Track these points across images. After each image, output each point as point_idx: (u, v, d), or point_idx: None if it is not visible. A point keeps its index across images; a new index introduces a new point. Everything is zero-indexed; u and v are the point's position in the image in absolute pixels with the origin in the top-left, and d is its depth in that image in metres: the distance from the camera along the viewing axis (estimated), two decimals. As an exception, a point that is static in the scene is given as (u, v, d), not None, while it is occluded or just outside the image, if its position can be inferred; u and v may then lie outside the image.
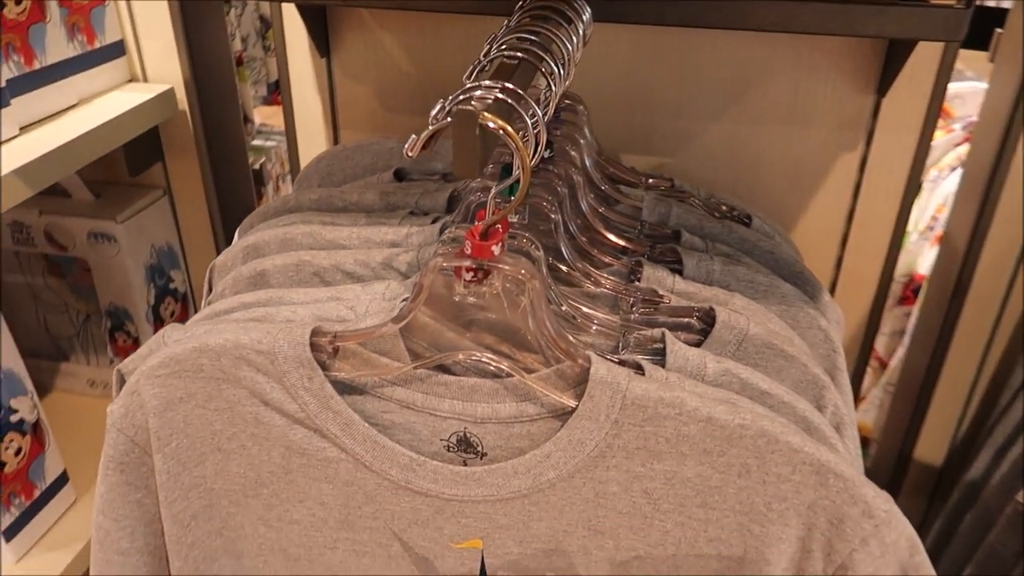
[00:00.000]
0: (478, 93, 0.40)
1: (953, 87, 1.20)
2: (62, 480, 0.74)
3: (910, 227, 1.16)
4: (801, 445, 0.40)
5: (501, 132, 0.38)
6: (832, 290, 0.80)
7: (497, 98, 0.39)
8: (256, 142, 1.29)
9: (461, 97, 0.39)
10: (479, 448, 0.47)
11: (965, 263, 0.83)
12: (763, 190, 0.76)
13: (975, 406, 0.89)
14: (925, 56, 0.68)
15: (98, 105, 0.72)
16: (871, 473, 1.04)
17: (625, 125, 0.76)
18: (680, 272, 0.55)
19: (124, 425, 0.49)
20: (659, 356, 0.46)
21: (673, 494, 0.43)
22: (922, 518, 0.97)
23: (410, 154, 0.39)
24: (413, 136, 0.38)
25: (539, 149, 0.42)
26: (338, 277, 0.55)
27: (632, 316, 0.52)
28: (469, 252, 0.40)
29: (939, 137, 1.15)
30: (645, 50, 0.72)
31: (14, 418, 0.67)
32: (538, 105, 0.42)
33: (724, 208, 0.64)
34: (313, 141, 0.82)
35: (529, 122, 0.41)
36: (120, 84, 0.76)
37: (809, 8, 0.57)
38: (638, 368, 0.44)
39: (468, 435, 0.46)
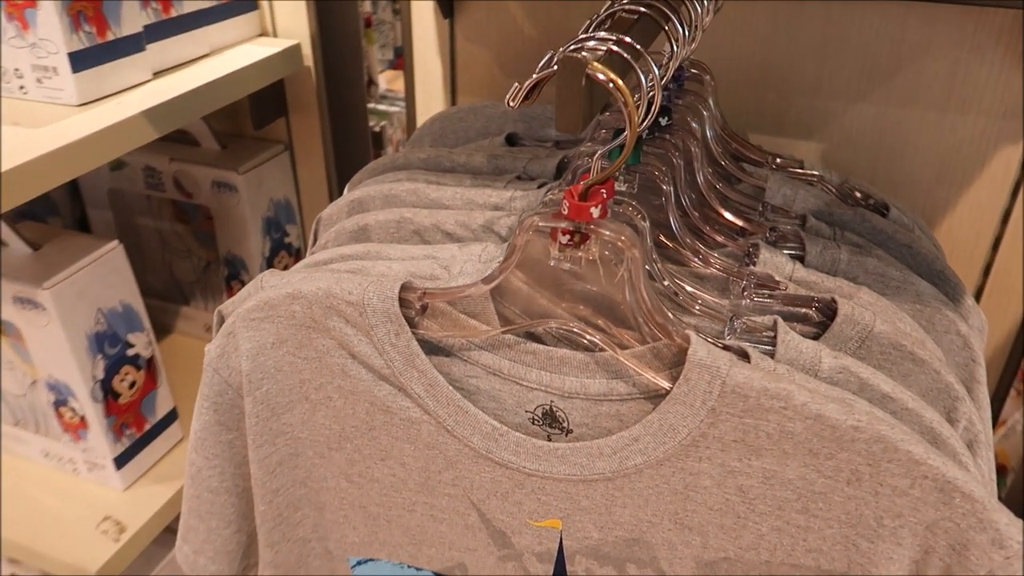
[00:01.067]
0: (591, 44, 0.37)
1: None
2: (171, 417, 0.77)
3: (1076, 238, 1.04)
4: (924, 456, 0.36)
5: (610, 85, 0.35)
6: (977, 297, 0.72)
7: (611, 50, 0.37)
8: (381, 107, 1.31)
9: (572, 47, 0.37)
10: (565, 424, 0.44)
11: None
12: (907, 181, 0.69)
13: None
14: (1114, 37, 0.59)
15: (228, 56, 0.73)
16: (1007, 505, 0.95)
17: (758, 102, 0.71)
18: (802, 259, 0.51)
19: (219, 366, 0.50)
20: (769, 345, 0.43)
21: (771, 495, 0.40)
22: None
23: (512, 104, 0.36)
24: (516, 85, 0.36)
25: (652, 112, 0.39)
26: (438, 237, 0.53)
27: (743, 302, 0.48)
28: (566, 213, 0.38)
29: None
30: (784, 22, 0.67)
31: (130, 352, 0.70)
32: (658, 67, 0.39)
33: (858, 195, 0.58)
34: (432, 105, 0.82)
35: (645, 82, 0.38)
36: (250, 37, 0.78)
37: (978, -24, 0.51)
38: (743, 355, 0.41)
39: (554, 409, 0.44)
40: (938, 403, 0.45)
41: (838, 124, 0.69)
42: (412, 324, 0.44)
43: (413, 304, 0.44)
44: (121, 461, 0.72)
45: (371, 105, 1.31)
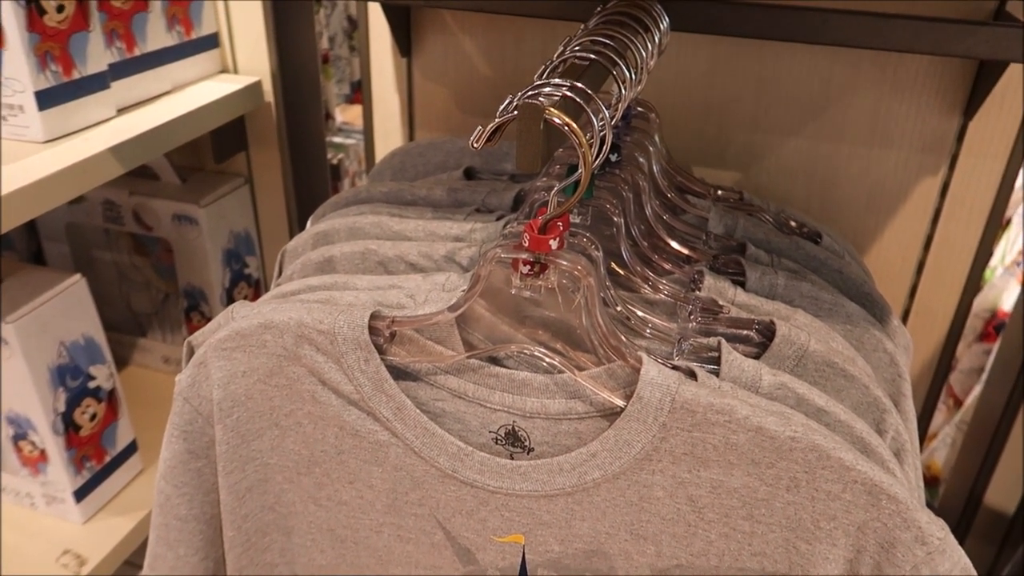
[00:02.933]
0: (547, 90, 0.40)
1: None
2: (131, 448, 0.78)
3: (995, 261, 1.11)
4: (853, 463, 0.39)
5: (566, 128, 0.38)
6: (905, 320, 0.77)
7: (565, 95, 0.40)
8: (337, 139, 1.33)
9: (529, 92, 0.40)
10: (526, 443, 0.47)
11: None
12: (838, 210, 0.74)
13: (1054, 451, 0.85)
14: (1017, 79, 0.65)
15: (190, 93, 0.75)
16: (938, 515, 1.00)
17: (699, 137, 0.75)
18: (743, 284, 0.55)
19: (190, 395, 0.51)
20: (714, 365, 0.46)
21: (719, 503, 0.43)
22: (991, 565, 0.93)
23: (475, 145, 0.39)
24: (480, 128, 0.39)
25: (604, 150, 0.43)
26: (401, 267, 0.56)
27: (690, 325, 0.51)
28: (527, 245, 0.41)
29: (1033, 169, 1.10)
30: (723, 62, 0.71)
31: (92, 384, 0.71)
32: (607, 108, 0.42)
33: (793, 224, 0.63)
34: (389, 139, 0.85)
35: (596, 123, 0.41)
36: (212, 74, 0.80)
37: (896, 25, 0.56)
38: (691, 375, 0.44)
39: (516, 429, 0.47)
40: (867, 415, 0.49)
41: (775, 157, 0.74)
42: (381, 351, 0.47)
43: (382, 332, 0.46)
44: (81, 494, 0.72)
45: (328, 138, 1.33)
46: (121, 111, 0.70)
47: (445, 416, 0.48)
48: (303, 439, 0.51)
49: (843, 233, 0.74)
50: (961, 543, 0.94)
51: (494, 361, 0.47)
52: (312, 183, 0.89)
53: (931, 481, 1.08)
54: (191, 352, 0.53)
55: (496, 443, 0.48)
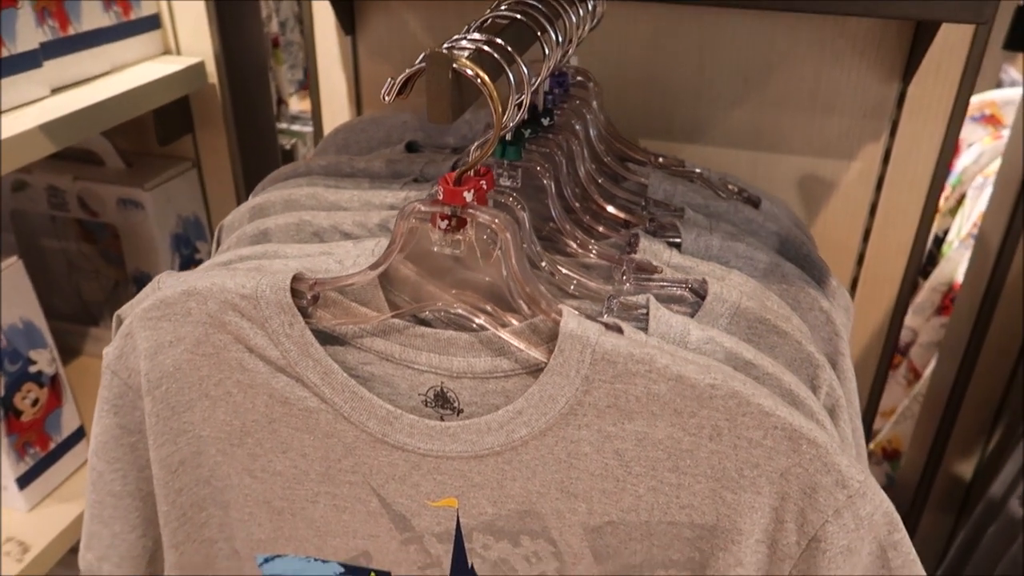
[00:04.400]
0: (463, 43, 0.40)
1: (1005, 94, 1.16)
2: (78, 435, 0.77)
3: (952, 235, 1.12)
4: (773, 408, 0.39)
5: (477, 80, 0.38)
6: (853, 288, 0.77)
7: (480, 49, 0.40)
8: (293, 127, 1.32)
9: (445, 45, 0.39)
10: (455, 404, 0.47)
11: (996, 271, 0.80)
12: (784, 180, 0.74)
13: (1006, 420, 0.86)
14: (954, 42, 0.65)
15: (130, 73, 0.74)
16: (899, 486, 1.01)
17: (644, 110, 0.75)
18: (679, 247, 0.55)
19: (118, 367, 0.51)
20: (643, 322, 0.46)
21: (644, 456, 0.42)
22: (950, 533, 0.93)
23: (386, 98, 0.39)
24: (389, 79, 0.39)
25: (522, 108, 0.42)
26: (336, 237, 0.55)
27: (624, 286, 0.51)
28: (441, 198, 0.40)
29: (987, 143, 1.11)
30: (664, 33, 0.71)
31: (32, 369, 0.70)
32: (536, 74, 0.42)
33: (733, 189, 0.63)
34: (337, 119, 0.84)
35: (512, 80, 0.41)
36: (153, 56, 0.79)
37: (829, -12, 0.56)
38: (618, 331, 0.44)
39: (445, 390, 0.46)
40: (801, 371, 0.49)
41: (720, 127, 0.74)
42: (305, 314, 0.46)
43: (305, 294, 0.46)
44: (24, 481, 0.71)
45: (283, 126, 1.32)
46: (56, 91, 0.69)
47: (374, 380, 0.48)
48: (234, 409, 0.50)
49: (790, 202, 0.74)
50: (920, 513, 0.95)
51: (421, 323, 0.47)
52: (262, 167, 0.88)
53: (893, 455, 1.08)
54: (120, 324, 0.52)
55: (426, 405, 0.47)
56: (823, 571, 0.40)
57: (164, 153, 0.85)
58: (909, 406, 1.05)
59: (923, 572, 0.41)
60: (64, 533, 0.71)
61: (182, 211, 0.85)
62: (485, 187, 0.44)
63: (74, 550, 0.72)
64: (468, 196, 0.40)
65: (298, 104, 1.39)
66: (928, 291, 1.07)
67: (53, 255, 0.90)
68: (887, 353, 0.79)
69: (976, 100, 1.17)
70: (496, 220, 0.41)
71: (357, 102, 0.83)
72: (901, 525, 0.41)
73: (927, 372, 1.04)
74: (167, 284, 0.50)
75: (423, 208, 0.41)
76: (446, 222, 0.41)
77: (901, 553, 0.40)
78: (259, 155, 0.87)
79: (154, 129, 0.79)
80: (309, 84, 0.83)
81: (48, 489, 0.74)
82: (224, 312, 0.47)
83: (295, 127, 1.32)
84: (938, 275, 1.06)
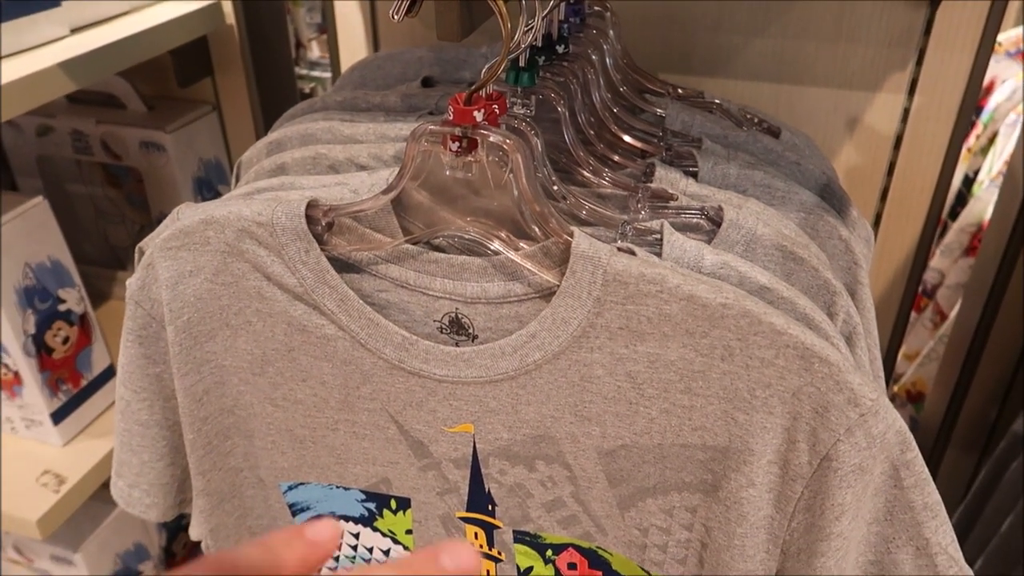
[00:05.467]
0: (472, -38, 0.40)
1: (1042, 28, 1.12)
2: (109, 373, 0.78)
3: (983, 174, 1.09)
4: (785, 327, 0.39)
5: (487, -4, 0.38)
6: (876, 224, 0.76)
7: (490, -33, 0.39)
8: (314, 73, 1.32)
9: (453, -36, 0.39)
10: (470, 330, 0.47)
11: (1023, 209, 0.78)
12: (806, 112, 0.73)
13: (1033, 357, 0.85)
14: (984, -36, 0.63)
15: (147, 13, 0.74)
16: (923, 427, 1.00)
17: (663, 42, 0.74)
18: (695, 175, 0.54)
19: (141, 298, 0.52)
20: (656, 247, 0.46)
21: (657, 378, 0.43)
22: (972, 473, 0.93)
23: (395, 17, 0.39)
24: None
25: (534, 30, 0.42)
26: (352, 170, 0.55)
27: (640, 215, 0.51)
28: (451, 118, 0.40)
29: (1021, 79, 1.08)
30: (685, -39, 0.70)
31: (62, 307, 0.71)
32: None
33: (752, 119, 0.62)
34: (355, 58, 0.83)
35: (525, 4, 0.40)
36: (171, -3, 0.79)
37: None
38: (631, 254, 0.44)
39: (460, 316, 0.47)
40: (818, 298, 0.49)
41: (741, 59, 0.72)
42: (321, 241, 0.47)
43: (320, 221, 0.46)
44: (58, 417, 0.73)
45: (304, 71, 1.32)
46: (75, 31, 0.69)
47: (390, 307, 0.48)
48: (254, 338, 0.51)
49: (813, 135, 0.72)
50: (942, 453, 0.95)
51: (435, 248, 0.47)
52: (281, 110, 0.88)
53: (917, 397, 1.08)
54: (142, 256, 0.53)
55: (441, 332, 0.48)
56: (835, 490, 0.40)
57: (184, 96, 0.85)
58: (934, 348, 1.04)
59: (935, 491, 0.41)
60: (98, 466, 0.73)
61: (204, 154, 0.86)
62: (498, 111, 0.44)
63: (108, 484, 0.74)
64: (478, 116, 0.40)
65: (318, 50, 1.38)
66: (956, 232, 1.05)
67: (80, 200, 0.92)
68: (910, 290, 0.78)
69: (1012, 35, 1.14)
70: (507, 140, 0.40)
71: (375, 43, 0.83)
72: (914, 444, 0.40)
73: (953, 313, 1.03)
74: (186, 214, 0.50)
75: (434, 128, 0.41)
76: (457, 144, 0.41)
77: (914, 472, 0.40)
78: (278, 98, 0.87)
79: (174, 71, 0.79)
80: (327, 21, 0.83)
81: (82, 425, 0.76)
82: (241, 240, 0.48)
83: (315, 72, 1.32)
84: (967, 215, 1.04)
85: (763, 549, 0.45)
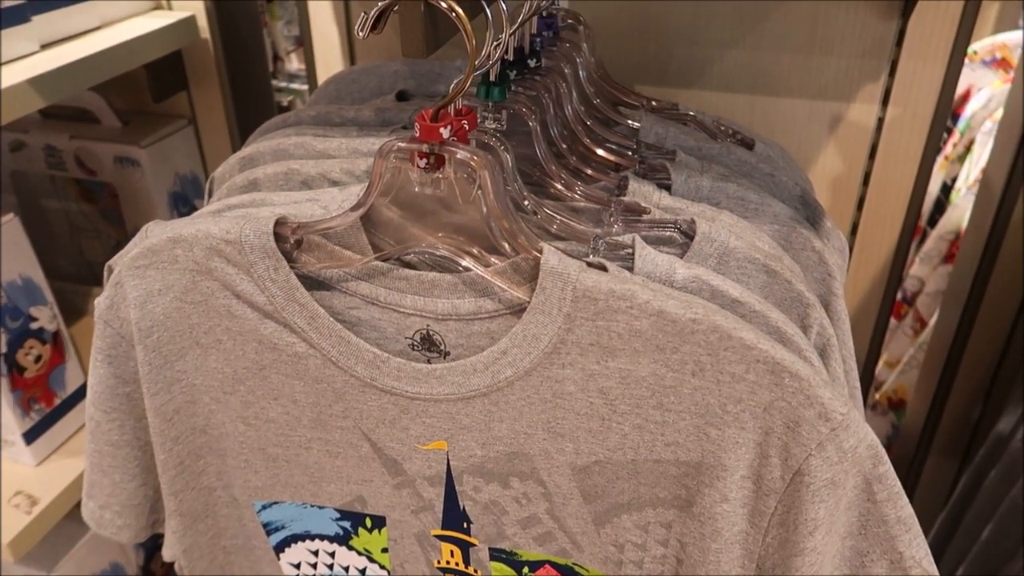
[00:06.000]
0: (438, -22, 0.39)
1: (1017, 36, 1.13)
2: (82, 392, 0.77)
3: (960, 182, 1.10)
4: (755, 341, 0.39)
5: (452, 15, 0.37)
6: (853, 233, 0.76)
7: (456, -16, 0.39)
8: (293, 85, 1.31)
9: (419, -19, 0.39)
10: (442, 346, 0.47)
11: (998, 217, 0.78)
12: (781, 123, 0.73)
13: (1009, 365, 0.85)
14: (953, -25, 0.64)
15: (120, 28, 0.74)
16: (905, 434, 1.00)
17: (638, 54, 0.74)
18: (669, 188, 0.54)
19: (110, 317, 0.51)
20: (628, 261, 0.45)
21: (629, 394, 0.42)
22: (954, 479, 0.93)
23: (360, 34, 0.38)
24: (363, 14, 0.38)
25: (502, 46, 0.42)
26: (324, 185, 0.55)
27: (613, 228, 0.51)
28: (418, 135, 0.40)
29: (997, 87, 1.09)
30: (659, -26, 0.70)
31: (34, 326, 0.70)
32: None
33: (726, 130, 0.62)
34: (332, 70, 0.83)
35: (491, 20, 0.40)
36: (144, 11, 0.78)
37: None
38: (602, 270, 0.43)
39: (431, 333, 0.46)
40: (791, 311, 0.49)
41: (716, 71, 0.73)
42: (290, 259, 0.46)
43: (288, 238, 0.46)
44: (31, 436, 0.72)
45: (282, 84, 1.31)
46: (45, 47, 0.68)
47: (361, 325, 0.48)
48: (225, 356, 0.50)
49: (789, 146, 0.73)
50: (923, 461, 0.95)
51: (405, 265, 0.47)
52: (258, 124, 0.87)
53: (898, 404, 1.08)
54: (111, 274, 0.53)
55: (413, 349, 0.47)
56: (808, 505, 0.40)
57: (159, 111, 0.85)
58: (914, 355, 1.04)
59: (908, 504, 0.41)
60: (72, 486, 0.72)
61: (179, 169, 0.85)
62: (467, 127, 0.43)
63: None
64: (445, 133, 0.40)
65: (297, 63, 1.38)
66: (935, 239, 1.06)
67: (55, 215, 0.91)
68: (888, 298, 0.78)
69: (987, 43, 1.15)
70: (474, 157, 0.40)
71: (351, 56, 0.83)
72: (886, 458, 0.40)
73: (933, 321, 1.03)
74: (154, 232, 0.50)
75: (401, 145, 0.41)
76: (425, 160, 0.41)
77: (886, 486, 0.40)
78: (255, 112, 0.86)
79: (148, 86, 0.78)
80: (303, 36, 0.83)
81: (55, 444, 0.75)
82: (210, 258, 0.47)
83: (293, 85, 1.31)
84: (945, 223, 1.05)
85: (738, 565, 0.44)
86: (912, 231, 0.75)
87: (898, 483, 0.41)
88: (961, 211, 1.04)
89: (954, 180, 1.11)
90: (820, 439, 0.39)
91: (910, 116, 0.70)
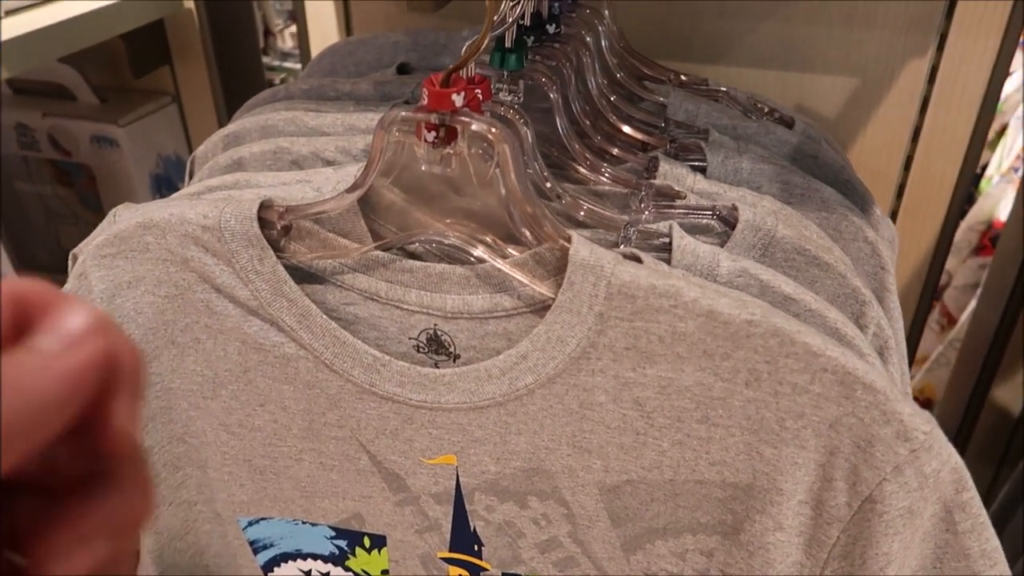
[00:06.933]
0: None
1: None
2: (57, 391, 0.72)
3: (992, 169, 1.04)
4: (822, 348, 0.33)
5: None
6: (892, 221, 0.71)
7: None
8: (286, 64, 1.25)
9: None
10: (451, 349, 0.41)
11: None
12: (817, 102, 0.67)
13: (1054, 363, 0.79)
14: (1014, -61, 0.58)
15: (95, -5, 0.67)
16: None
17: (662, 27, 0.68)
18: (703, 170, 0.48)
19: (74, 313, 0.45)
20: (665, 252, 0.40)
21: (669, 406, 0.37)
22: (988, 486, 0.88)
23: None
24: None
25: (520, 5, 0.36)
26: (317, 165, 0.49)
27: (643, 215, 0.45)
28: (427, 102, 0.34)
29: (1030, 69, 1.03)
30: (685, -63, 0.64)
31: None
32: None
33: (763, 108, 0.56)
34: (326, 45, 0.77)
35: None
36: (123, -23, 0.72)
37: None
38: (636, 261, 0.38)
39: (439, 333, 0.41)
40: (846, 308, 0.43)
41: (745, 45, 0.67)
42: (277, 248, 0.40)
43: (275, 224, 0.40)
44: None
45: (274, 63, 1.25)
46: (10, 13, 0.62)
47: (358, 323, 0.42)
48: (204, 357, 0.45)
49: (823, 127, 0.67)
50: (955, 465, 0.89)
51: (409, 256, 0.41)
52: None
53: (925, 404, 1.03)
54: (75, 263, 0.47)
55: (418, 351, 0.42)
56: (880, 537, 0.34)
57: (140, 87, 0.78)
58: (944, 352, 0.99)
59: (994, 536, 0.36)
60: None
61: (162, 150, 0.79)
62: (481, 97, 0.37)
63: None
64: (458, 100, 0.34)
65: (290, 42, 1.31)
66: (964, 230, 1.00)
67: (29, 201, 0.85)
68: (927, 294, 0.72)
69: (1018, 23, 1.08)
70: (492, 129, 0.34)
71: (347, 31, 0.76)
72: (971, 483, 0.35)
73: (964, 316, 0.98)
74: (123, 217, 0.44)
75: (406, 115, 0.35)
76: (433, 133, 0.35)
77: (970, 515, 0.35)
78: (244, 88, 0.80)
79: (127, 59, 0.72)
80: (296, 14, 0.76)
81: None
82: (186, 247, 0.41)
83: (286, 64, 1.25)
84: (976, 212, 0.99)
85: (790, 599, 0.39)
86: (956, 221, 0.69)
87: (983, 512, 0.35)
88: (994, 200, 0.98)
89: (984, 167, 1.05)
90: (897, 462, 0.33)
91: (958, 96, 0.64)
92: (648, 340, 0.35)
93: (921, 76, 0.64)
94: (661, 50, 0.69)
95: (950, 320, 1.02)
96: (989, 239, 0.98)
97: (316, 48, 0.78)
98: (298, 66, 1.31)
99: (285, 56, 1.27)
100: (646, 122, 0.52)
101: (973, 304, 0.96)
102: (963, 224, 1.01)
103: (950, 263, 1.02)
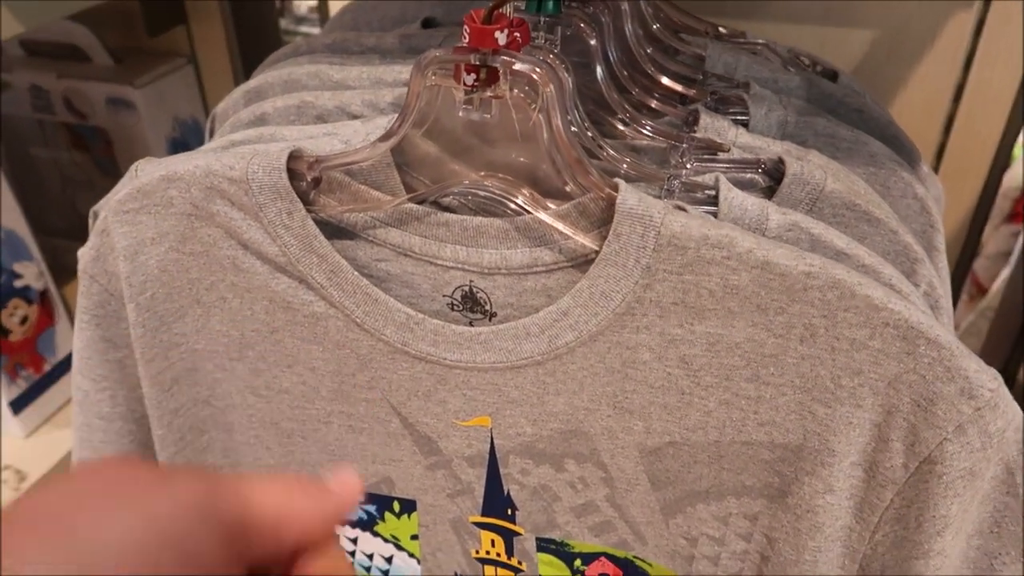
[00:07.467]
0: None
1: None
2: (76, 357, 0.71)
3: (1025, 135, 1.01)
4: (885, 301, 0.32)
5: None
6: (930, 184, 0.68)
7: None
8: (302, 28, 1.22)
9: None
10: (487, 306, 0.39)
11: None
12: (855, 60, 0.65)
13: (1091, 331, 0.77)
14: None
15: (108, -50, 0.65)
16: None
17: (694, -19, 0.65)
18: (746, 124, 0.46)
19: (96, 271, 0.44)
20: (711, 205, 0.38)
21: (717, 364, 0.35)
22: (1017, 458, 0.86)
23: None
24: None
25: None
26: (343, 119, 0.47)
27: (684, 170, 0.43)
28: (467, 41, 0.32)
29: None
30: None
31: (18, 283, 0.63)
32: None
33: (805, 61, 0.54)
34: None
35: None
36: (136, -68, 0.70)
37: None
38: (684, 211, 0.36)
39: (474, 290, 0.39)
40: (897, 266, 0.41)
41: (781, 2, 0.64)
42: (307, 201, 0.39)
43: (305, 176, 0.38)
44: (18, 406, 0.66)
45: (291, 27, 1.22)
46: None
47: (391, 280, 0.40)
48: (230, 317, 0.43)
49: (862, 85, 0.65)
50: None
51: (444, 209, 0.39)
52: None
53: (951, 375, 1.01)
54: (95, 220, 0.45)
55: (452, 308, 0.40)
56: (938, 499, 0.33)
57: (155, 48, 0.77)
58: (975, 322, 0.97)
59: (1059, 497, 0.34)
60: (64, 460, 0.66)
61: (179, 113, 0.77)
62: (520, 40, 0.36)
63: (76, 478, 0.67)
64: (501, 38, 0.32)
65: (305, 6, 1.28)
66: (997, 197, 0.97)
67: (44, 166, 0.83)
68: (964, 260, 0.70)
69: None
70: (537, 69, 0.32)
71: (367, -15, 0.74)
72: (1034, 443, 0.33)
73: (995, 285, 0.96)
74: (145, 171, 0.42)
75: (445, 55, 0.33)
76: (473, 75, 0.33)
77: (1034, 477, 0.33)
78: (260, 49, 0.78)
79: (142, 19, 0.70)
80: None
81: (45, 414, 0.69)
82: (211, 201, 0.40)
83: (303, 28, 1.22)
84: (1010, 179, 0.97)
85: (837, 565, 0.37)
86: (997, 185, 0.67)
87: (1047, 473, 0.34)
88: (1027, 166, 0.96)
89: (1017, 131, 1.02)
90: (960, 420, 0.32)
91: (1005, 52, 0.62)
92: (698, 294, 0.34)
93: (966, 31, 0.62)
94: (693, 7, 0.67)
95: (980, 289, 1.00)
96: (1022, 206, 0.96)
97: (334, 9, 0.76)
98: (315, 29, 1.29)
99: (301, 20, 1.25)
100: (684, 75, 0.50)
101: (1006, 272, 0.94)
102: (995, 191, 0.98)
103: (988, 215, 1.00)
